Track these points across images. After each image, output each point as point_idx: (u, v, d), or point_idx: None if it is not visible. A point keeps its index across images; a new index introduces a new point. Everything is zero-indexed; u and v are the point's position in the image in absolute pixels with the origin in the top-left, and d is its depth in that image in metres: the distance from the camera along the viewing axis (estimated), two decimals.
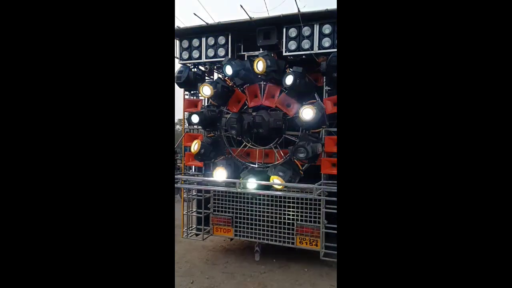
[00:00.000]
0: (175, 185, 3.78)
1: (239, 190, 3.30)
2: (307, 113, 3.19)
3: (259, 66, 3.40)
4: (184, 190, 4.57)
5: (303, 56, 3.66)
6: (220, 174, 3.59)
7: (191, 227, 4.38)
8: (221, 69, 3.86)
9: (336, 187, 3.38)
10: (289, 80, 3.29)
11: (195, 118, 3.69)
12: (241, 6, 3.09)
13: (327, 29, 3.34)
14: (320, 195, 3.45)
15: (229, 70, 3.58)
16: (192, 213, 4.37)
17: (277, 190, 3.50)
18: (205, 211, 4.24)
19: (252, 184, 3.40)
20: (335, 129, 3.68)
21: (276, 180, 3.36)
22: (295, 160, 3.60)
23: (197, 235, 4.31)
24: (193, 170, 4.59)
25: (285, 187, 3.45)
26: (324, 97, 3.58)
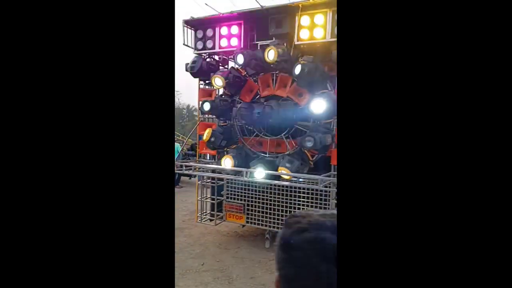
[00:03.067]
0: (187, 171, 3.93)
1: (245, 179, 3.38)
2: (318, 105, 3.16)
3: (270, 55, 3.39)
4: (198, 177, 4.74)
5: (317, 45, 3.59)
6: (227, 163, 3.68)
7: (205, 212, 4.55)
8: (234, 58, 3.89)
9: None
10: (297, 70, 3.26)
11: (206, 106, 3.78)
12: None
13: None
14: (327, 186, 3.44)
15: (240, 59, 3.60)
16: (206, 199, 4.54)
17: (283, 180, 3.53)
18: (219, 197, 4.38)
19: (259, 173, 3.46)
20: None
21: (282, 171, 3.39)
22: (305, 151, 3.59)
23: (211, 220, 4.49)
24: (208, 158, 4.73)
25: (293, 177, 3.46)
26: (335, 87, 3.50)
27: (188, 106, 31.10)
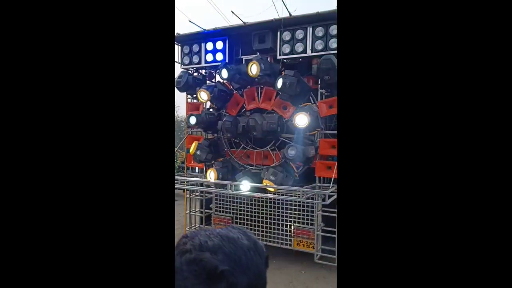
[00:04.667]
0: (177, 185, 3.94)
1: (230, 192, 3.39)
2: (301, 119, 3.20)
3: (253, 69, 3.46)
4: (187, 190, 4.74)
5: (300, 59, 3.67)
6: (211, 175, 3.70)
7: (194, 226, 4.54)
8: (219, 73, 3.97)
9: (331, 190, 3.37)
10: (279, 83, 3.32)
11: (192, 120, 3.83)
12: (232, 12, 3.16)
13: (320, 31, 3.32)
14: (313, 198, 3.45)
15: (224, 74, 3.67)
16: (195, 212, 4.53)
17: (268, 192, 3.54)
18: (207, 211, 4.38)
19: (244, 186, 3.47)
20: (331, 132, 3.65)
21: (267, 184, 3.40)
22: (290, 163, 3.62)
23: None
24: (197, 171, 4.75)
25: (278, 189, 3.48)
26: (318, 100, 3.56)
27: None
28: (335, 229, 3.55)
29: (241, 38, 3.96)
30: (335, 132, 3.55)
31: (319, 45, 3.33)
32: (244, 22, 3.61)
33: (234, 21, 3.68)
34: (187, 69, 4.22)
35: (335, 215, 3.53)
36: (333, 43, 3.25)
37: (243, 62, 3.95)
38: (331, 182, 3.26)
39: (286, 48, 3.51)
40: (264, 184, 3.42)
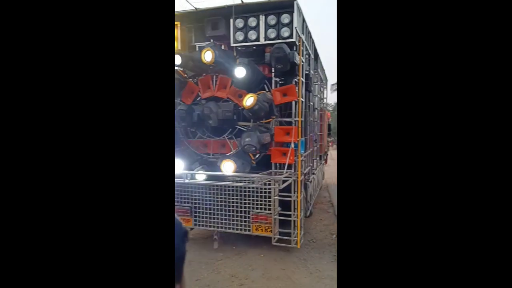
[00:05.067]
0: None
1: (186, 181, 3.36)
2: (249, 101, 3.24)
3: (207, 56, 3.41)
4: None
5: (254, 47, 3.68)
6: None
7: None
8: None
9: (284, 175, 3.50)
10: (236, 72, 3.32)
11: None
12: None
13: (272, 20, 3.35)
14: (269, 184, 3.55)
15: (178, 60, 3.56)
16: None
17: (224, 180, 3.57)
18: None
19: (199, 175, 3.46)
20: (285, 119, 3.76)
21: (225, 167, 3.42)
22: (247, 151, 3.67)
23: None
24: None
25: (235, 177, 3.52)
26: (272, 88, 3.63)
27: None
28: (290, 212, 3.71)
29: (194, 25, 3.85)
30: (290, 119, 3.67)
31: (271, 33, 3.37)
32: (195, 8, 3.52)
33: (187, 6, 3.56)
34: None
35: (290, 199, 3.69)
36: (285, 32, 3.31)
37: (197, 49, 3.87)
38: (285, 168, 3.38)
39: (240, 36, 3.50)
40: (222, 166, 3.43)
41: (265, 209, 3.82)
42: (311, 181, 5.01)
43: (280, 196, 3.75)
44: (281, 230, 3.89)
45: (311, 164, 4.91)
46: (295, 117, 3.60)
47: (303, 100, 3.78)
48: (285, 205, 3.80)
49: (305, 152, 3.99)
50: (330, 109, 42.87)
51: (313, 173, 5.47)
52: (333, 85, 38.65)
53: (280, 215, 3.82)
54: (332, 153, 13.26)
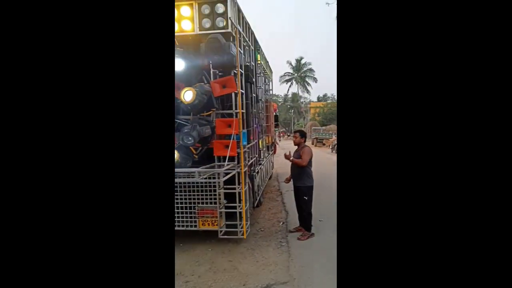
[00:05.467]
0: None
1: None
2: (188, 96, 3.15)
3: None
4: None
5: (190, 37, 3.55)
6: None
7: None
8: None
9: (225, 168, 3.49)
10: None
11: None
12: None
13: (206, 9, 3.26)
14: (214, 177, 3.51)
15: None
16: None
17: None
18: None
19: None
20: (227, 111, 3.73)
21: None
22: (187, 145, 3.57)
23: None
24: None
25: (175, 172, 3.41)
26: (211, 79, 3.56)
27: None
28: (236, 204, 3.72)
29: None
30: (231, 111, 3.64)
31: (206, 23, 3.28)
32: None
33: None
34: None
35: (235, 191, 3.70)
36: (220, 22, 3.25)
37: None
38: (226, 160, 3.37)
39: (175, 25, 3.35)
40: None
41: (210, 203, 3.78)
42: (258, 172, 5.08)
43: (225, 189, 3.74)
44: (228, 222, 3.89)
45: (257, 155, 4.97)
46: (236, 109, 3.59)
47: (243, 91, 3.78)
48: (232, 198, 3.80)
49: (248, 143, 4.02)
50: (281, 100, 44.07)
51: (260, 164, 5.55)
52: (281, 76, 39.51)
53: (227, 207, 3.81)
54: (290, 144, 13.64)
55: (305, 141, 4.10)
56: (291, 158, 3.97)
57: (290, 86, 39.51)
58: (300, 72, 38.16)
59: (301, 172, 3.91)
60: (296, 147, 4.08)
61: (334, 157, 14.52)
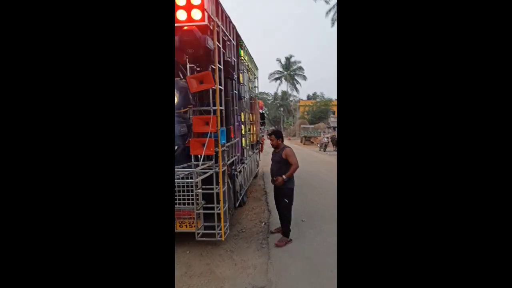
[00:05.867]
0: None
1: None
2: None
3: None
4: None
5: None
6: None
7: None
8: None
9: (200, 167, 3.34)
10: None
11: None
12: None
13: (181, 1, 3.09)
14: (190, 178, 3.36)
15: None
16: None
17: None
18: None
19: None
20: (204, 108, 3.58)
21: None
22: None
23: None
24: None
25: None
26: (188, 74, 3.40)
27: None
28: (213, 205, 3.58)
29: None
30: (209, 108, 3.49)
31: (181, 15, 3.11)
32: None
33: None
34: None
35: (212, 191, 3.55)
36: (196, 14, 3.09)
37: None
38: (201, 159, 3.22)
39: None
40: None
41: (188, 204, 3.63)
42: (240, 171, 4.94)
43: (203, 189, 3.59)
44: (207, 224, 3.74)
45: (239, 154, 4.83)
46: (213, 106, 3.44)
47: (222, 87, 3.63)
48: (211, 198, 3.66)
49: (227, 142, 3.87)
50: (271, 98, 43.97)
51: (243, 163, 5.42)
52: (271, 74, 39.47)
53: (205, 208, 3.66)
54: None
55: (282, 141, 3.88)
56: (283, 178, 3.62)
57: (279, 84, 39.50)
58: (290, 70, 38.14)
59: (282, 173, 3.72)
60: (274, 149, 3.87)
61: (321, 156, 14.54)
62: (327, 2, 13.62)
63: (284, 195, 3.75)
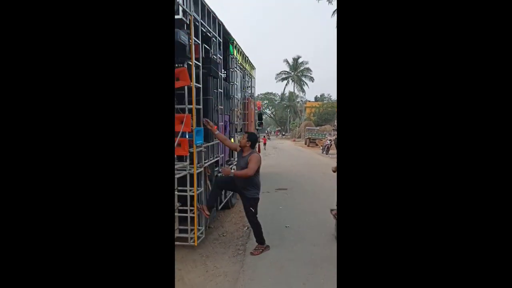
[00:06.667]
0: None
1: None
2: None
3: None
4: None
5: None
6: None
7: None
8: None
9: (176, 167, 3.19)
10: None
11: None
12: None
13: None
14: None
15: None
16: None
17: None
18: None
19: None
20: (180, 106, 3.42)
21: None
22: None
23: None
24: None
25: None
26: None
27: None
28: (187, 208, 3.43)
29: None
30: (183, 106, 3.34)
31: None
32: None
33: None
34: None
35: (186, 193, 3.40)
36: (177, 8, 2.94)
37: None
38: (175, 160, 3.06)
39: None
40: None
41: None
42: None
43: (179, 191, 3.44)
44: (182, 227, 3.60)
45: (222, 155, 4.67)
46: (189, 104, 3.28)
47: (200, 85, 3.48)
48: (183, 200, 3.51)
49: (205, 142, 3.71)
50: (278, 99, 43.70)
51: (230, 164, 5.26)
52: (278, 74, 39.27)
53: (180, 211, 3.52)
54: (286, 142, 13.25)
55: (253, 147, 3.56)
56: (232, 172, 3.51)
57: (286, 84, 39.23)
58: (297, 71, 37.84)
59: (247, 182, 3.44)
60: (241, 149, 3.59)
61: (323, 158, 14.25)
62: (329, 2, 13.35)
63: (250, 205, 3.55)
